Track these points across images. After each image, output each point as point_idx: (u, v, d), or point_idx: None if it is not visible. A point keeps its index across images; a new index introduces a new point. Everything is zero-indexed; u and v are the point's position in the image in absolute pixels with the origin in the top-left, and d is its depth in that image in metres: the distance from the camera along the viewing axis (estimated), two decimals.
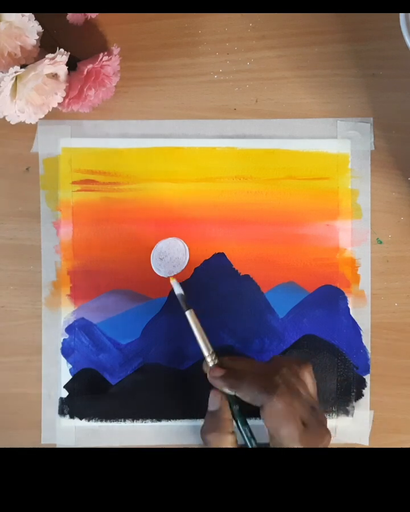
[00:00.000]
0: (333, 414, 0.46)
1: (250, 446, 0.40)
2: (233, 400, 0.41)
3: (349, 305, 0.46)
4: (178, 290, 0.42)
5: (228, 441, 0.40)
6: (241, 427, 0.41)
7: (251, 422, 0.41)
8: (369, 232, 0.47)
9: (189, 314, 0.42)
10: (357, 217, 0.47)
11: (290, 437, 0.38)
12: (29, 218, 0.46)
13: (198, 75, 0.46)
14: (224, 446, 0.40)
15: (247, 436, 0.40)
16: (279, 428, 0.38)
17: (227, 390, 0.40)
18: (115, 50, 0.43)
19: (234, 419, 0.41)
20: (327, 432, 0.39)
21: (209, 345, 0.42)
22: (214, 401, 0.41)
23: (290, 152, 0.46)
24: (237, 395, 0.40)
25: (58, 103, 0.43)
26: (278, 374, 0.40)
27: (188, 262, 0.46)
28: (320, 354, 0.46)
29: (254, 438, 0.41)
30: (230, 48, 0.46)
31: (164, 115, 0.46)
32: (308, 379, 0.41)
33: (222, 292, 0.46)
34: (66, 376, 0.46)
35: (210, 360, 0.41)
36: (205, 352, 0.41)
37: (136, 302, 0.46)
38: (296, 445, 0.38)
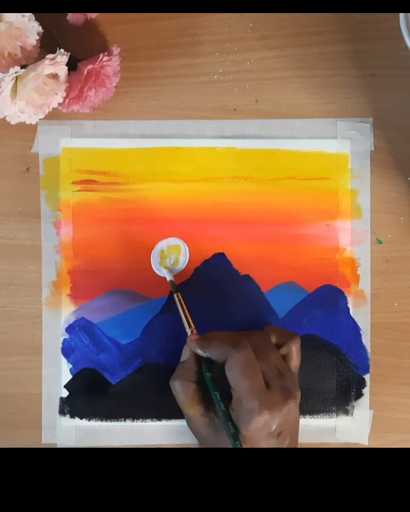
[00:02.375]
0: (333, 414, 0.46)
1: (220, 409, 0.40)
2: (206, 367, 0.42)
3: (349, 305, 0.47)
4: (169, 277, 0.45)
5: (191, 388, 0.42)
6: (212, 392, 0.41)
7: None
8: (369, 232, 0.47)
9: (176, 297, 0.44)
10: (357, 217, 0.47)
11: (248, 392, 0.39)
12: (29, 218, 0.46)
13: (198, 75, 0.46)
14: (187, 393, 0.42)
15: (217, 400, 0.41)
16: (238, 381, 0.39)
17: (199, 351, 0.42)
18: (115, 50, 0.43)
19: (207, 384, 0.42)
20: (290, 398, 0.40)
21: (191, 323, 0.43)
22: (184, 353, 0.43)
23: (290, 152, 0.46)
24: (207, 354, 0.41)
25: (59, 104, 0.43)
26: (249, 336, 0.41)
27: (188, 262, 0.46)
28: (320, 354, 0.46)
29: (223, 402, 0.40)
30: (230, 48, 0.46)
31: (164, 115, 0.46)
32: (294, 351, 0.42)
33: (222, 292, 0.46)
34: (67, 376, 0.46)
35: (189, 332, 0.43)
36: (188, 330, 0.43)
37: (136, 302, 0.46)
38: (255, 403, 0.38)
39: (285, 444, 0.40)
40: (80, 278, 0.46)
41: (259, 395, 0.39)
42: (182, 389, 0.42)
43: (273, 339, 0.43)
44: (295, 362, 0.43)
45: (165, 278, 0.46)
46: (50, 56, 0.40)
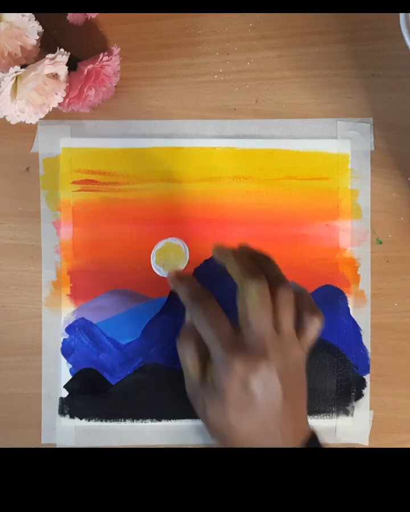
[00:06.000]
0: (333, 414, 0.46)
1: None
2: None
3: (349, 305, 0.46)
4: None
5: (200, 345, 0.39)
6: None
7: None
8: (369, 232, 0.47)
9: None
10: (357, 217, 0.47)
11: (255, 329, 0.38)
12: (29, 218, 0.46)
13: (198, 75, 0.46)
14: (194, 353, 0.39)
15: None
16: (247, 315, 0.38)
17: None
18: (115, 50, 0.43)
19: None
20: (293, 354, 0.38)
21: None
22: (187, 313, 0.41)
23: (290, 152, 0.46)
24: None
25: (59, 103, 0.43)
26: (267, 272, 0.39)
27: (188, 262, 0.46)
28: (320, 354, 0.46)
29: None
30: (230, 48, 0.46)
31: (164, 115, 0.46)
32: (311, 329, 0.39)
33: (222, 292, 0.46)
34: (66, 376, 0.46)
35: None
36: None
37: (136, 302, 0.46)
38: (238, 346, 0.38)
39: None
40: (79, 278, 0.46)
41: (267, 338, 0.37)
42: (188, 350, 0.39)
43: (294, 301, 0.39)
44: (308, 338, 0.39)
45: (165, 278, 0.46)
46: (50, 55, 0.40)
